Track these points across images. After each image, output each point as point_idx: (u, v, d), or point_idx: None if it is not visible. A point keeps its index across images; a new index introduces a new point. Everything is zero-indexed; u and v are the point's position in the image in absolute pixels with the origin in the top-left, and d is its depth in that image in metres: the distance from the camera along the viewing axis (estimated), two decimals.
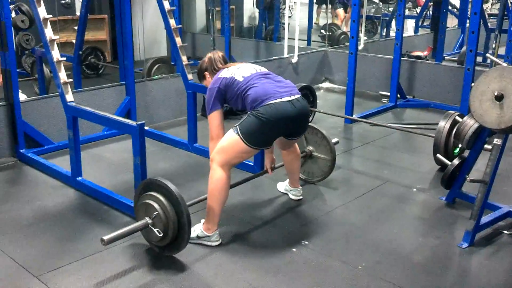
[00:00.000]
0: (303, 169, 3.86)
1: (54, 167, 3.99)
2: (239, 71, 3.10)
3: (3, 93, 4.24)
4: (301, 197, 3.63)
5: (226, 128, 3.11)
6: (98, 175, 3.94)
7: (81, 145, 3.85)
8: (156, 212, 2.77)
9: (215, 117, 3.09)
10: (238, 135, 2.93)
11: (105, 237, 2.66)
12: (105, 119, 3.49)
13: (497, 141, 3.08)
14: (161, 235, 2.77)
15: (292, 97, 3.01)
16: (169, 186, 2.77)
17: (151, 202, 2.80)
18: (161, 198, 2.78)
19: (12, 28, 4.18)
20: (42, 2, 3.76)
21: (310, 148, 3.81)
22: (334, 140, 3.84)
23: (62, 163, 4.06)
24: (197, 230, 3.03)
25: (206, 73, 3.30)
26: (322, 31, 9.08)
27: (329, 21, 9.44)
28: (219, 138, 3.05)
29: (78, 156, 3.71)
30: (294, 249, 3.03)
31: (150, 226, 2.80)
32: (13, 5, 6.11)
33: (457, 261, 3.01)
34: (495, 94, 2.90)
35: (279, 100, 2.95)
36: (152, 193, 2.83)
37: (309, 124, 3.72)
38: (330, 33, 8.67)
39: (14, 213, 3.42)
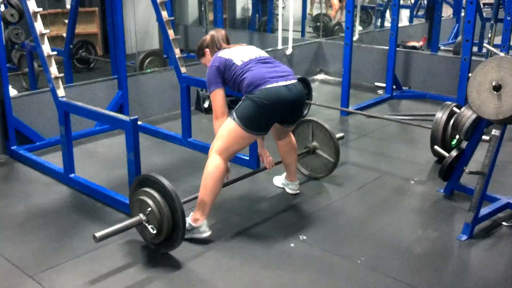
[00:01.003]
0: (305, 163, 3.82)
1: (46, 164, 3.92)
2: (239, 54, 3.06)
3: None
4: (298, 191, 3.59)
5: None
6: (91, 172, 3.89)
7: (74, 141, 3.80)
8: (150, 209, 2.72)
9: (217, 95, 3.03)
10: (235, 120, 2.90)
11: (97, 234, 2.61)
12: (97, 114, 3.42)
13: (495, 132, 3.04)
14: (155, 231, 2.73)
15: (288, 82, 2.98)
16: (163, 182, 2.72)
17: (145, 198, 2.76)
18: (155, 194, 2.73)
19: (1, 22, 4.09)
20: None
21: (315, 143, 3.76)
22: (339, 135, 3.80)
23: (55, 159, 3.99)
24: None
25: (207, 50, 3.23)
26: (312, 22, 9.03)
27: (323, 12, 9.39)
28: (224, 116, 3.01)
29: (70, 153, 3.65)
30: (292, 244, 2.99)
31: (144, 222, 2.76)
32: None
33: (457, 253, 2.98)
34: (493, 84, 2.87)
35: (275, 84, 2.92)
36: (146, 189, 2.78)
37: (319, 122, 3.69)
38: (321, 24, 8.60)
39: (6, 211, 3.36)
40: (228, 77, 3.03)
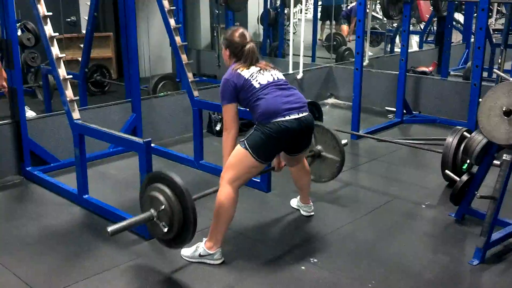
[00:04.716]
0: (310, 169, 3.83)
1: (60, 185, 3.97)
2: (258, 75, 3.01)
3: (9, 110, 4.25)
4: (312, 213, 3.61)
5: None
6: (104, 193, 3.93)
7: (87, 162, 3.84)
8: (162, 205, 2.70)
9: (229, 109, 3.01)
10: (247, 149, 2.92)
11: (109, 228, 2.61)
12: (111, 136, 3.48)
13: (506, 156, 3.05)
14: (166, 229, 2.70)
15: (301, 115, 2.99)
16: (174, 178, 2.70)
17: (156, 194, 2.74)
18: (166, 190, 2.72)
19: (18, 46, 4.20)
20: (48, 20, 3.78)
21: (319, 147, 3.77)
22: (343, 142, 3.80)
23: (68, 180, 4.04)
24: (199, 248, 3.00)
25: (228, 51, 3.12)
26: (325, 42, 9.07)
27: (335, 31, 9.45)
28: (233, 130, 3.00)
29: (84, 174, 3.70)
30: (303, 267, 2.99)
31: (155, 218, 2.74)
32: (19, 23, 6.15)
33: (468, 278, 2.97)
34: (504, 109, 2.88)
35: (287, 118, 2.94)
36: (158, 185, 2.77)
37: (320, 123, 3.72)
38: (335, 43, 8.64)
39: (20, 231, 3.40)
40: (243, 96, 3.01)
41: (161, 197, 2.72)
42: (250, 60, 3.06)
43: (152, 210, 2.76)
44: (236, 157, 2.95)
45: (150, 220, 2.77)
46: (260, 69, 3.05)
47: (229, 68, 3.09)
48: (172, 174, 2.73)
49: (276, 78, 3.06)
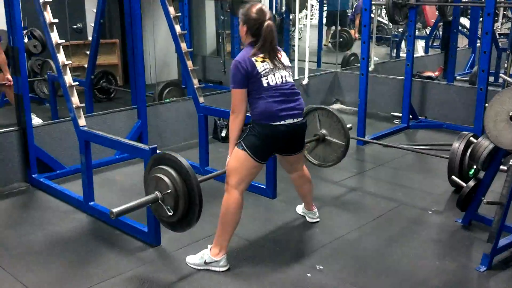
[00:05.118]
0: (315, 153, 3.81)
1: (66, 191, 3.98)
2: (269, 74, 2.95)
3: (16, 118, 4.27)
4: (318, 220, 3.61)
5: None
6: (110, 200, 3.92)
7: (93, 169, 3.85)
8: (167, 186, 2.68)
9: (238, 93, 2.94)
10: (245, 150, 2.94)
11: (114, 210, 2.62)
12: (117, 143, 3.49)
13: None
14: (171, 212, 2.69)
15: (295, 120, 3.03)
16: (179, 159, 2.69)
17: (161, 175, 2.71)
18: (172, 171, 2.70)
19: (25, 54, 4.22)
20: (55, 27, 3.80)
21: (324, 131, 3.75)
22: (348, 126, 3.77)
23: (74, 187, 4.05)
24: (204, 256, 2.99)
25: (245, 27, 2.99)
26: (331, 39, 9.00)
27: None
28: (241, 114, 2.96)
29: (90, 181, 3.71)
30: (309, 274, 2.98)
31: (160, 200, 2.73)
32: (26, 30, 6.19)
33: (475, 285, 2.95)
34: (510, 114, 2.87)
35: (282, 122, 2.97)
36: (162, 166, 2.75)
37: (325, 108, 3.73)
38: (341, 40, 8.58)
39: (26, 238, 3.41)
40: (250, 84, 2.95)
41: (166, 179, 2.69)
42: (269, 43, 2.95)
43: (157, 192, 2.74)
44: (237, 161, 2.97)
45: (155, 201, 2.74)
46: (274, 67, 2.99)
47: (244, 49, 3.00)
48: (177, 155, 2.71)
49: (284, 81, 3.02)
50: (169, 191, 2.70)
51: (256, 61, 2.94)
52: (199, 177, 2.83)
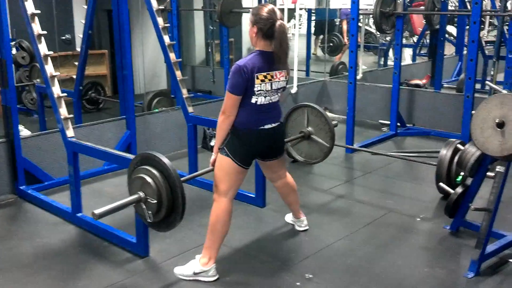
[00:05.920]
0: (299, 149, 3.82)
1: (54, 203, 3.96)
2: (262, 96, 2.95)
3: (3, 129, 4.24)
4: (306, 228, 3.61)
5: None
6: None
7: (81, 180, 3.83)
8: (150, 186, 2.68)
9: (234, 99, 2.90)
10: (228, 155, 2.96)
11: (96, 211, 2.60)
12: (105, 154, 3.48)
13: (500, 168, 3.06)
14: (154, 209, 2.69)
15: (273, 125, 3.06)
16: (161, 159, 2.69)
17: (144, 176, 2.71)
18: (155, 171, 2.70)
19: (13, 65, 4.20)
20: (43, 39, 3.80)
21: (310, 129, 3.74)
22: (334, 122, 3.76)
23: (63, 199, 4.03)
24: (193, 266, 2.98)
25: (255, 28, 2.91)
26: (321, 44, 9.00)
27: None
28: (232, 116, 2.94)
29: (78, 192, 3.69)
30: (298, 283, 2.97)
31: (143, 201, 2.72)
32: (14, 42, 6.17)
33: None
34: (496, 121, 2.90)
35: (261, 127, 3.00)
36: (146, 167, 2.75)
37: (315, 106, 3.72)
38: (331, 44, 8.62)
39: (14, 251, 3.38)
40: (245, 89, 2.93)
41: (149, 179, 2.69)
42: (285, 45, 2.87)
43: (140, 193, 2.74)
44: (222, 169, 2.99)
45: (138, 202, 2.74)
46: (268, 92, 2.97)
47: (252, 57, 2.91)
48: (159, 155, 2.71)
49: (270, 102, 3.02)
50: (152, 190, 2.69)
51: (257, 78, 2.89)
52: (183, 177, 2.85)
